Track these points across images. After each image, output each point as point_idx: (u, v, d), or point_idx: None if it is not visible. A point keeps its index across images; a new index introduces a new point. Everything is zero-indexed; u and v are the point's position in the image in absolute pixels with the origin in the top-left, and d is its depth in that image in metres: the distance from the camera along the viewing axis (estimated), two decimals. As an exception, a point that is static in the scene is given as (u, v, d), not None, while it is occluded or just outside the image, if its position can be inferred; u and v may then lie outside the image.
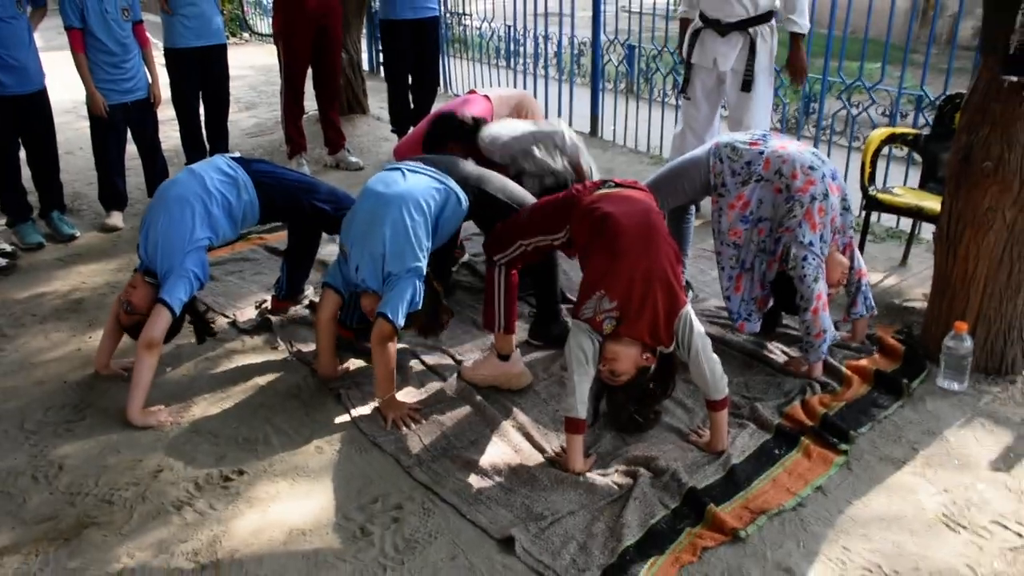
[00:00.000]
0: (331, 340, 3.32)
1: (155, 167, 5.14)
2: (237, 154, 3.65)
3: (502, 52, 8.17)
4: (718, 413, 2.81)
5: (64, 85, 6.38)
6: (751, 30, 4.41)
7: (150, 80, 4.95)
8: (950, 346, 3.16)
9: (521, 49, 7.73)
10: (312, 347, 3.54)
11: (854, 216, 3.36)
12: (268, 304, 3.91)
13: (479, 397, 3.17)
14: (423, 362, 3.46)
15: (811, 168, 3.18)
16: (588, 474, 2.72)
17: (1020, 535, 2.48)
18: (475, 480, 2.73)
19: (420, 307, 3.09)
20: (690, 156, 3.56)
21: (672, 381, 2.84)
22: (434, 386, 3.30)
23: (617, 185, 2.98)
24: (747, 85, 4.52)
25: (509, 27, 7.83)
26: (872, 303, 3.45)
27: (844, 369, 3.28)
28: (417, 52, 6.09)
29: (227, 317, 3.88)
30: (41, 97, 4.63)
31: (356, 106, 7.43)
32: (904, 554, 2.41)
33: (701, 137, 4.86)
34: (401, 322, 3.01)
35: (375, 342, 3.03)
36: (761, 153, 3.25)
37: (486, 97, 4.32)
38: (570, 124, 7.01)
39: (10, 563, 2.45)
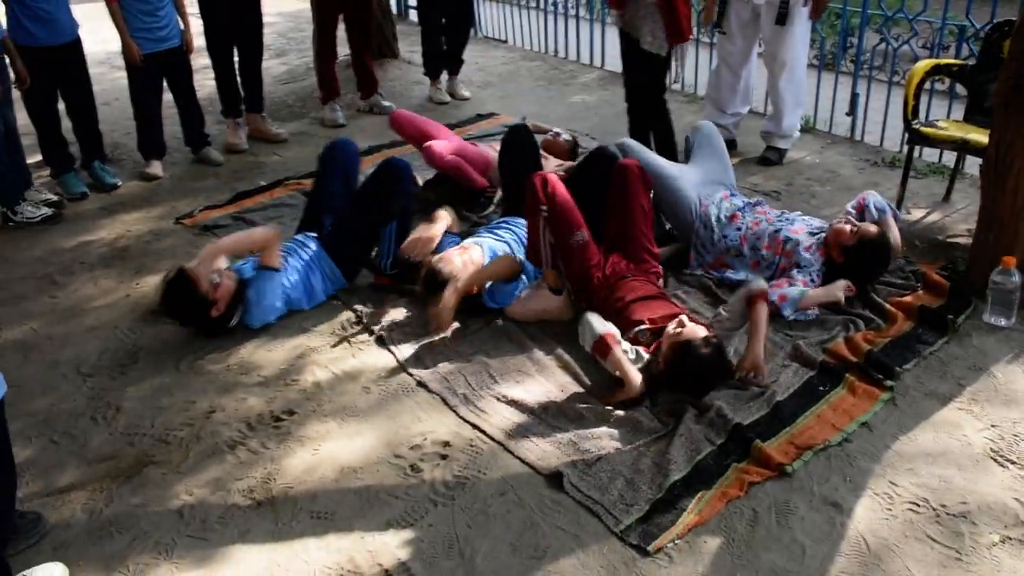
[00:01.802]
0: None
1: (191, 115, 5.16)
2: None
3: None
4: (757, 308, 2.86)
5: (97, 37, 6.38)
6: None
7: (183, 28, 4.93)
8: (997, 281, 3.12)
9: (552, -12, 7.60)
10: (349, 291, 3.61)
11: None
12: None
13: (524, 336, 3.20)
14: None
15: (776, 232, 3.47)
16: (633, 412, 2.75)
17: (1068, 468, 2.48)
18: (521, 418, 2.77)
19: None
20: (684, 196, 3.65)
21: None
22: (478, 324, 3.34)
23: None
24: (782, 18, 4.41)
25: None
26: (883, 202, 3.58)
27: (888, 306, 3.26)
28: None
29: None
30: (75, 48, 4.64)
31: (387, 50, 7.38)
32: (951, 488, 2.42)
33: (737, 73, 4.78)
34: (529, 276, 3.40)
35: (505, 255, 3.39)
36: (739, 230, 3.54)
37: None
38: (602, 64, 6.95)
39: (78, 498, 2.54)
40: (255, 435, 2.80)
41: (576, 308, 3.25)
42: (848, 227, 3.34)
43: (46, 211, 4.47)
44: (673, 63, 4.33)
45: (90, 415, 2.93)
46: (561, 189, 3.19)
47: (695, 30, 4.49)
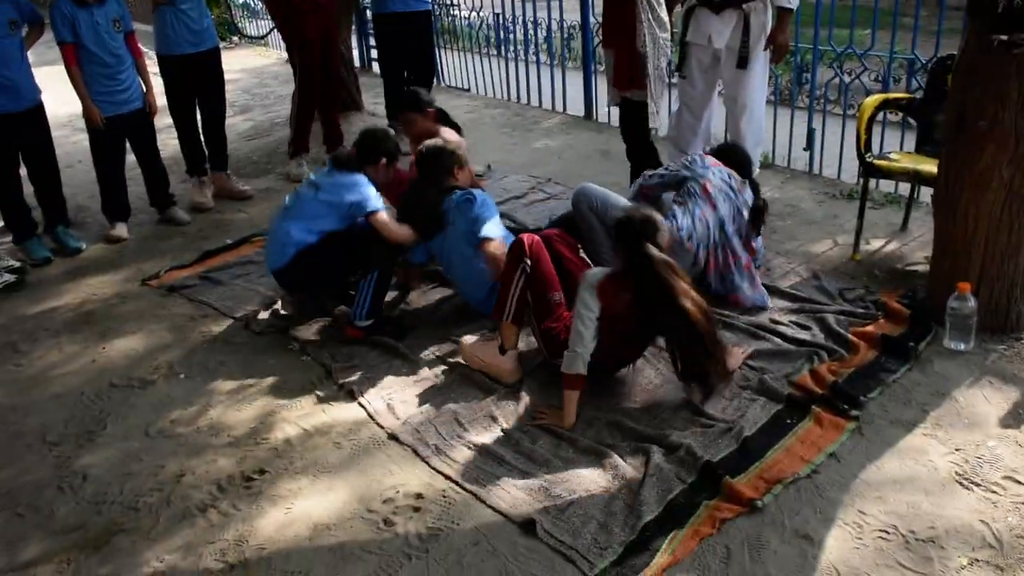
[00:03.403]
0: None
1: (155, 176, 5.17)
2: None
3: (492, 40, 8.17)
4: None
5: (59, 100, 6.40)
6: (745, 6, 4.40)
7: (145, 90, 4.96)
8: (954, 307, 3.18)
9: (511, 36, 7.73)
10: (319, 346, 3.61)
11: None
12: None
13: (488, 381, 3.22)
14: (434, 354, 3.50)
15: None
16: (604, 456, 2.75)
17: (1032, 488, 2.52)
18: (492, 466, 2.77)
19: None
20: None
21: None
22: (441, 370, 3.36)
23: None
24: (743, 62, 4.51)
25: (497, 15, 7.83)
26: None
27: (850, 336, 3.31)
28: (411, 45, 6.10)
29: (238, 320, 3.92)
30: (37, 113, 4.66)
31: (351, 103, 7.43)
32: (919, 514, 2.45)
33: (699, 116, 4.86)
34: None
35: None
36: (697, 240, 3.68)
37: None
38: (564, 109, 7.06)
39: (43, 573, 2.50)
40: (226, 496, 2.78)
41: (517, 375, 3.25)
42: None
43: (8, 278, 4.44)
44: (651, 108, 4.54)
45: (56, 485, 2.89)
46: (545, 253, 3.21)
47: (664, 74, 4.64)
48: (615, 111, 6.54)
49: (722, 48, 4.54)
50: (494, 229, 3.57)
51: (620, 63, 4.53)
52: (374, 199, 3.65)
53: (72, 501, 2.81)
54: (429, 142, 3.83)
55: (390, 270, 3.69)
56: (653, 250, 2.90)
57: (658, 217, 3.05)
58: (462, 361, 3.35)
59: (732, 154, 3.96)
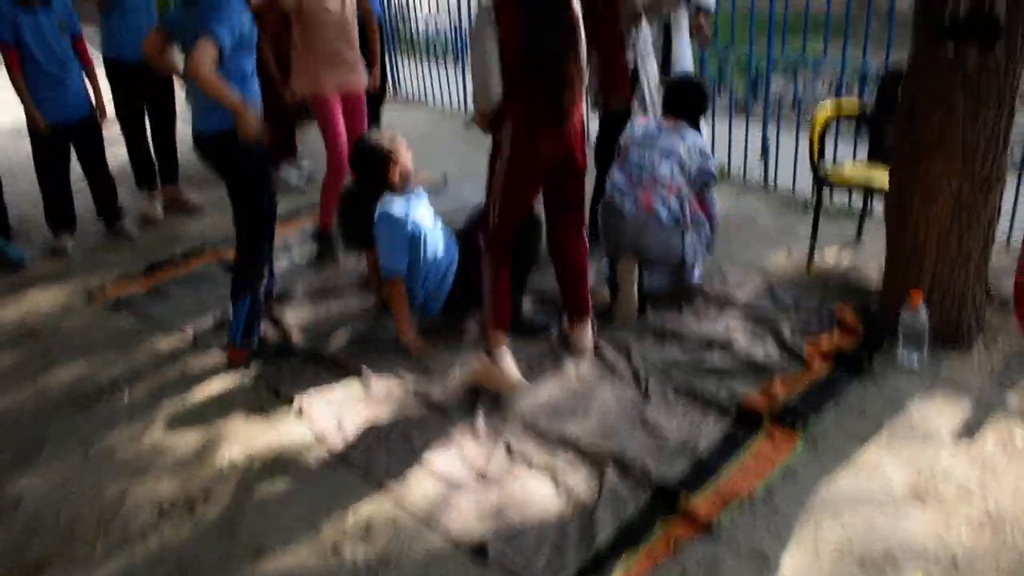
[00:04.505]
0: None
1: (103, 187, 5.01)
2: None
3: (449, 50, 8.10)
4: None
5: (2, 105, 6.21)
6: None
7: (93, 96, 4.80)
8: (906, 319, 3.19)
9: (467, 44, 7.67)
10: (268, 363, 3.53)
11: None
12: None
13: (443, 402, 3.15)
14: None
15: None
16: (559, 475, 2.71)
17: (985, 500, 2.52)
18: (444, 488, 2.70)
19: None
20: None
21: None
22: (395, 385, 3.29)
23: None
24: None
25: (455, 27, 7.76)
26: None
27: (804, 349, 3.30)
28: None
29: (185, 335, 3.81)
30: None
31: (304, 113, 7.31)
32: (875, 531, 2.43)
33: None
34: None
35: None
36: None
37: None
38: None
39: (-31, 607, 2.39)
40: (168, 522, 2.68)
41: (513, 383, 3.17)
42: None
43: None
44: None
45: (-13, 512, 2.78)
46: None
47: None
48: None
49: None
50: (387, 260, 3.49)
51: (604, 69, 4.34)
52: (214, 19, 3.12)
53: (2, 529, 2.69)
54: (363, 142, 3.65)
55: (257, 294, 3.52)
56: None
57: None
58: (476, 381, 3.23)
59: (681, 91, 3.81)
